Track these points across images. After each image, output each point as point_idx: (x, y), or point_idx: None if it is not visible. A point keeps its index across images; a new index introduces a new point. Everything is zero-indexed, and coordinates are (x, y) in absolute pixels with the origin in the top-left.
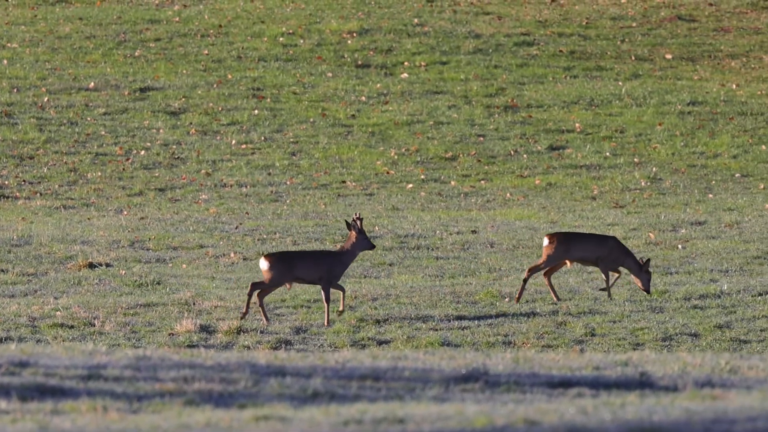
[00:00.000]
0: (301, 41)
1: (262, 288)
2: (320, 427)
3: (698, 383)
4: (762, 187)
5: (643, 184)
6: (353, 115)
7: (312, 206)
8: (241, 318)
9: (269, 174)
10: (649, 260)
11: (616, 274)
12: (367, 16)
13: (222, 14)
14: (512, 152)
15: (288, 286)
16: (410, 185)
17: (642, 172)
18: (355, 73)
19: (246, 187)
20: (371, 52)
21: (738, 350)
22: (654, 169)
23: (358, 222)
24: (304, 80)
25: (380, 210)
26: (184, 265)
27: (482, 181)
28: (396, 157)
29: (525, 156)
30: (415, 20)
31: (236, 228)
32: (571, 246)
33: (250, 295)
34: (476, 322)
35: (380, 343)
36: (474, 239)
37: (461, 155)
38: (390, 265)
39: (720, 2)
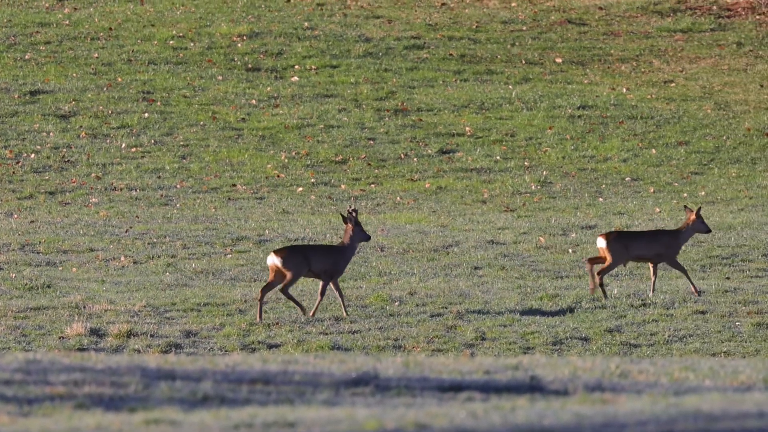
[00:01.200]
0: (192, 44)
1: (274, 286)
2: (210, 431)
3: (588, 387)
4: (652, 190)
5: (533, 187)
6: (243, 119)
7: (202, 210)
8: (303, 314)
9: (159, 177)
10: None
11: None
12: (257, 19)
13: (112, 17)
14: (402, 156)
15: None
16: (300, 189)
17: (532, 175)
18: (245, 77)
19: (136, 190)
20: (262, 56)
21: (628, 354)
22: (544, 172)
23: (354, 214)
24: (194, 83)
25: (270, 213)
26: (75, 269)
27: (372, 185)
28: (286, 160)
29: (415, 159)
30: (306, 24)
31: (126, 231)
32: (629, 244)
33: (286, 295)
34: (367, 325)
35: (270, 346)
36: (364, 243)
37: (351, 159)
38: None
39: (610, 6)
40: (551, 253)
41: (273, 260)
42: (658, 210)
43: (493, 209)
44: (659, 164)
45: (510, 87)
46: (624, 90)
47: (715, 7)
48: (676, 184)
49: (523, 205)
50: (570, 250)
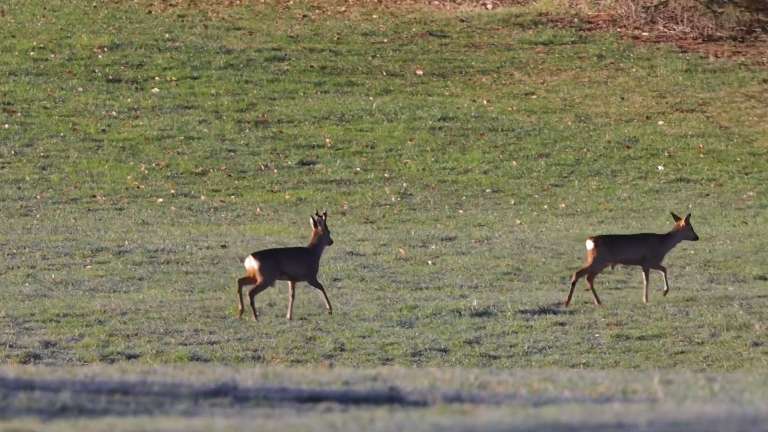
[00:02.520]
0: (52, 56)
1: (253, 288)
2: None
3: (448, 398)
4: (512, 202)
5: (393, 199)
6: (104, 130)
7: (62, 221)
8: (256, 319)
9: (19, 188)
10: None
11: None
12: (118, 31)
13: None
14: (263, 167)
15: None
16: (160, 200)
17: (392, 187)
18: (105, 88)
19: None
20: (122, 67)
21: (487, 365)
22: (404, 184)
23: (323, 218)
24: (54, 95)
25: (130, 224)
26: None
27: (232, 196)
28: (146, 171)
29: (275, 171)
30: (167, 35)
31: None
32: (615, 248)
33: (250, 297)
34: (226, 336)
35: (129, 357)
36: (224, 254)
37: (212, 170)
38: (140, 279)
39: (471, 19)
40: (411, 264)
41: (252, 263)
42: (518, 222)
43: (353, 221)
44: (520, 176)
45: (371, 99)
46: (485, 102)
47: (576, 20)
48: (537, 196)
49: (383, 217)
50: (429, 262)
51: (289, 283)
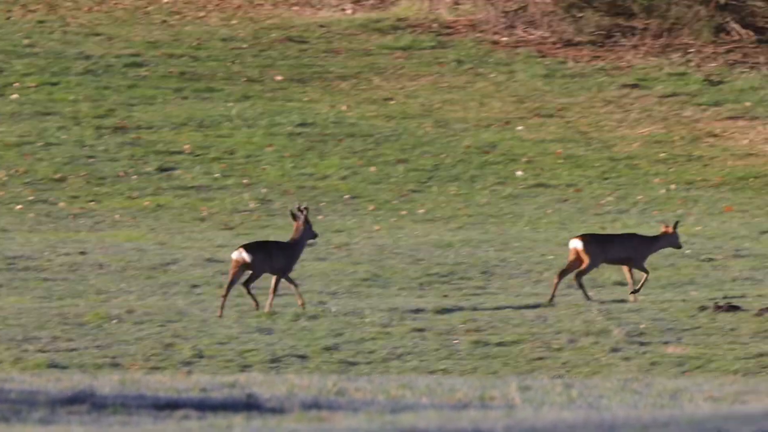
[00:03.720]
0: None
1: (248, 280)
2: None
3: (305, 405)
4: (371, 208)
5: (252, 205)
6: None
7: None
8: (257, 309)
9: None
10: None
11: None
12: None
13: None
14: (122, 174)
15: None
16: (19, 206)
17: (252, 193)
18: None
19: None
20: None
21: (346, 372)
22: (264, 190)
23: (304, 212)
24: None
25: None
26: None
27: (91, 203)
28: (5, 178)
29: (134, 177)
30: (26, 41)
31: None
32: (605, 246)
33: (247, 290)
34: (84, 344)
35: None
36: (83, 261)
37: (71, 176)
38: None
39: (330, 24)
40: None
41: (244, 255)
42: (377, 228)
43: (212, 227)
44: (378, 182)
45: (230, 104)
46: (344, 108)
47: (435, 25)
48: (396, 202)
49: (242, 223)
50: None
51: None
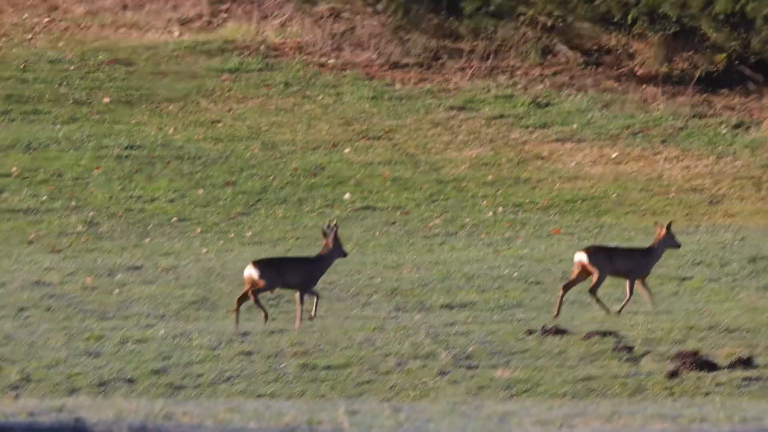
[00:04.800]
0: None
1: (253, 294)
2: None
3: (133, 429)
4: (199, 231)
5: (80, 228)
6: None
7: None
8: (265, 322)
9: None
10: None
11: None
12: None
13: None
14: None
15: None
16: None
17: (79, 216)
18: None
19: None
20: None
21: (174, 396)
22: (91, 213)
23: (334, 229)
24: None
25: None
26: None
27: None
28: None
29: None
30: None
31: None
32: (612, 257)
33: (256, 302)
34: None
35: None
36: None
37: None
38: None
39: (158, 47)
40: (97, 293)
41: (251, 271)
42: (205, 250)
43: (40, 250)
44: (206, 204)
45: (57, 127)
46: (171, 130)
47: (263, 47)
48: (223, 225)
49: (69, 246)
50: (116, 291)
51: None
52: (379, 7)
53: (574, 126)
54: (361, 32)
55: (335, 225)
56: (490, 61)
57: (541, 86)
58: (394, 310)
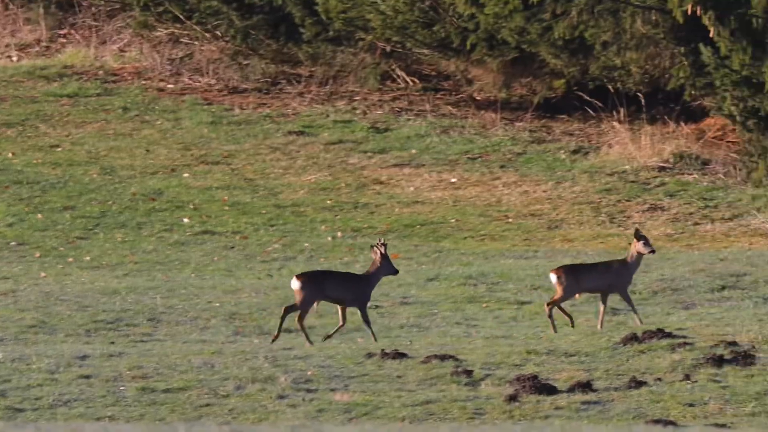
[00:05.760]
0: None
1: (294, 310)
2: None
3: None
4: (38, 255)
5: None
6: None
7: None
8: (272, 341)
9: None
10: None
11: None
12: None
13: None
14: None
15: (316, 305)
16: None
17: None
18: None
19: None
20: None
21: (12, 419)
22: None
23: (383, 248)
24: None
25: None
26: None
27: None
28: None
29: None
30: None
31: None
32: (580, 277)
33: (282, 319)
34: None
35: None
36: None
37: None
38: None
39: None
40: None
41: (294, 284)
42: (43, 275)
43: None
44: (45, 229)
45: None
46: (10, 155)
47: (101, 72)
48: (62, 249)
49: None
50: None
51: (338, 307)
52: (218, 32)
53: (413, 151)
54: (200, 57)
55: (384, 243)
56: (328, 86)
57: (379, 111)
58: (232, 334)
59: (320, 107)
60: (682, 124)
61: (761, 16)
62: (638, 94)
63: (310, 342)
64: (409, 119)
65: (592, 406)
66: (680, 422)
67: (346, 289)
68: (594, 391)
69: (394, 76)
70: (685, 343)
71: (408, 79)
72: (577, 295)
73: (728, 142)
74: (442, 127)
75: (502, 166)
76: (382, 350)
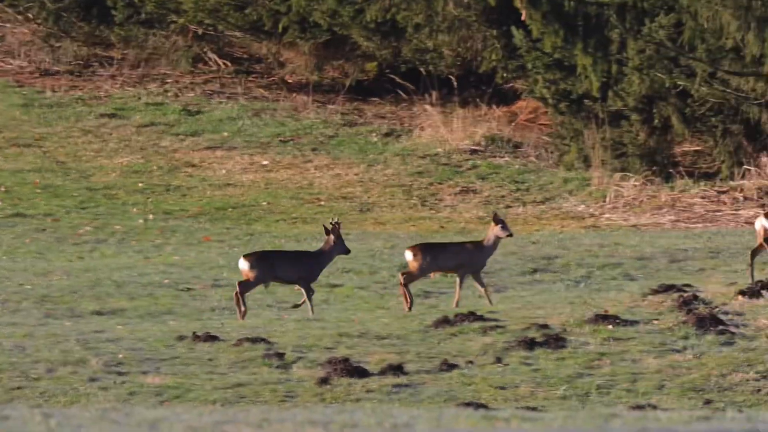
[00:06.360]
0: None
1: (247, 287)
2: None
3: None
4: None
5: None
6: None
7: None
8: (242, 318)
9: None
10: None
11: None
12: None
13: None
14: None
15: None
16: None
17: None
18: None
19: None
20: None
21: None
22: None
23: (337, 226)
24: None
25: None
26: None
27: None
28: None
29: None
30: None
31: None
32: (437, 256)
33: (239, 296)
34: None
35: None
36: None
37: None
38: None
39: None
40: None
41: (242, 264)
42: None
43: None
44: None
45: None
46: None
47: None
48: None
49: None
50: None
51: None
52: (30, 14)
53: (225, 134)
54: (12, 40)
55: (338, 222)
56: (141, 69)
57: (191, 94)
58: (44, 317)
59: (132, 90)
60: (494, 106)
61: None
62: (450, 76)
63: (242, 316)
64: (221, 102)
65: (404, 388)
66: (491, 405)
67: (296, 267)
68: (405, 374)
69: (206, 58)
70: (497, 326)
71: (220, 62)
72: (432, 274)
73: (540, 124)
74: (254, 109)
75: (314, 149)
76: (194, 333)
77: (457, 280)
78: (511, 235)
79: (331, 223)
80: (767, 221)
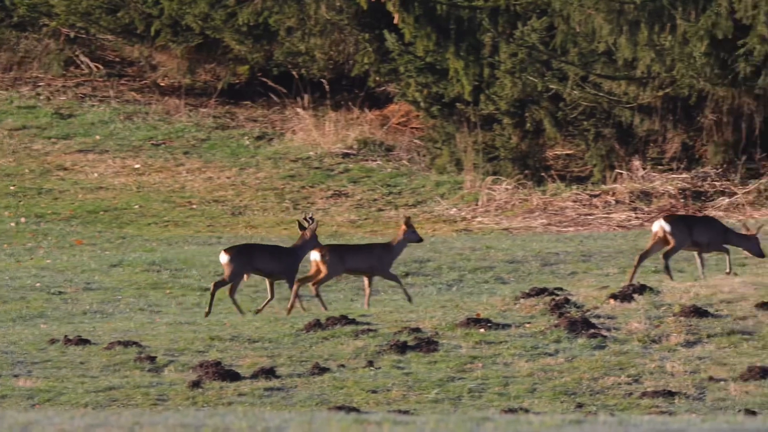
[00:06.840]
0: None
1: (224, 284)
2: None
3: None
4: None
5: None
6: None
7: None
8: (206, 316)
9: None
10: None
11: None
12: None
13: None
14: None
15: (246, 277)
16: None
17: None
18: None
19: None
20: None
21: None
22: None
23: (313, 223)
24: None
25: None
26: None
27: None
28: None
29: None
30: None
31: None
32: (345, 257)
33: (212, 295)
34: None
35: None
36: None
37: None
38: None
39: None
40: None
41: (222, 257)
42: None
43: None
44: None
45: None
46: None
47: None
48: None
49: None
50: None
51: (267, 281)
52: None
53: (97, 137)
54: None
55: (311, 218)
56: (12, 72)
57: (63, 98)
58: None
59: (4, 93)
60: (366, 110)
61: (445, 3)
62: (322, 80)
63: (242, 313)
64: (93, 105)
65: (276, 392)
66: (363, 408)
67: (275, 261)
68: (277, 377)
69: (79, 62)
70: (369, 330)
71: (92, 65)
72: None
73: (412, 128)
74: (126, 113)
75: (186, 153)
76: (65, 336)
77: (366, 282)
78: (420, 240)
79: (306, 219)
80: (666, 224)
